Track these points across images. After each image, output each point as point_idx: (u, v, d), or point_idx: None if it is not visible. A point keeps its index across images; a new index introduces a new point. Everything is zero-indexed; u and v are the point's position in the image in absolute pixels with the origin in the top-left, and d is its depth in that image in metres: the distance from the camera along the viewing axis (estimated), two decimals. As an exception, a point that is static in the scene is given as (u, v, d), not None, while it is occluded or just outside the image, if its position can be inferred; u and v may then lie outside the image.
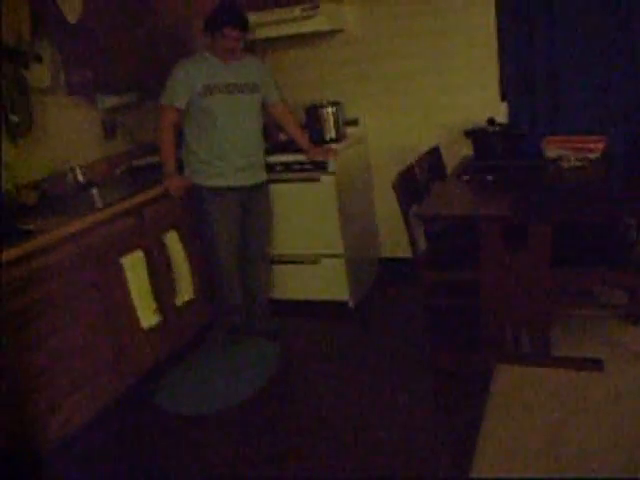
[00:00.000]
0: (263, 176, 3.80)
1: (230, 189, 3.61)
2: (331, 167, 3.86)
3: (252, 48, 4.16)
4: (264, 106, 3.75)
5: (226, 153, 3.55)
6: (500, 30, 3.93)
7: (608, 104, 3.75)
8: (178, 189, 3.57)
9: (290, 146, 4.09)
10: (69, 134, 3.75)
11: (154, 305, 3.40)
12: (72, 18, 3.40)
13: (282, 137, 4.28)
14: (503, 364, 3.19)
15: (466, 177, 3.57)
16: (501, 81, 4.02)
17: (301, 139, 3.89)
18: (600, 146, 3.50)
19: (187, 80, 3.43)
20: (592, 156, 3.48)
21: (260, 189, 3.80)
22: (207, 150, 3.56)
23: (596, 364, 3.08)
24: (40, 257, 2.78)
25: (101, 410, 3.13)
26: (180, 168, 3.63)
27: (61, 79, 3.66)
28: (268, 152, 3.89)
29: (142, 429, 3.15)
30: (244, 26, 3.44)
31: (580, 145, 3.51)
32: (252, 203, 3.77)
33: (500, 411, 2.86)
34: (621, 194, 3.13)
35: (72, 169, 3.61)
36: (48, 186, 3.46)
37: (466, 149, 3.97)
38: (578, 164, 3.46)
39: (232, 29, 3.39)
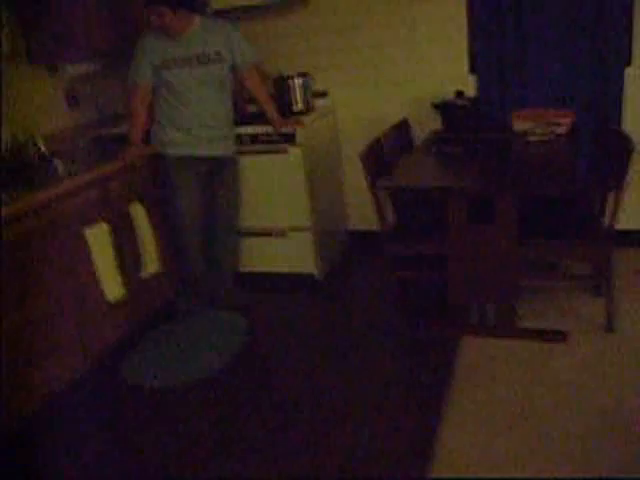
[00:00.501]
0: (230, 148, 3.76)
1: (195, 158, 3.58)
2: (299, 139, 3.83)
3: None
4: (235, 73, 3.69)
5: (190, 126, 3.54)
6: (469, 2, 3.90)
7: (577, 78, 3.77)
8: (133, 157, 3.52)
9: (258, 118, 4.04)
10: (30, 103, 3.66)
11: (119, 278, 3.36)
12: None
13: (250, 108, 4.23)
14: (469, 336, 3.23)
15: (434, 149, 3.57)
16: (470, 54, 4.01)
17: (269, 110, 3.84)
18: (568, 121, 3.52)
19: (146, 56, 3.43)
20: (559, 130, 3.49)
21: (227, 161, 3.76)
22: (171, 122, 3.55)
23: (560, 335, 3.13)
24: (2, 230, 2.72)
25: (67, 383, 3.10)
26: (149, 137, 3.61)
27: (21, 46, 3.55)
28: (235, 123, 3.84)
29: (109, 402, 3.13)
30: (151, 2, 3.33)
31: (548, 119, 3.53)
32: (219, 174, 3.75)
33: (466, 382, 2.89)
34: (586, 168, 3.15)
35: (33, 139, 3.52)
36: (8, 156, 3.37)
37: (435, 122, 3.96)
38: (545, 138, 3.48)
39: (146, 7, 3.36)
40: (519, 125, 3.59)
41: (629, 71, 3.73)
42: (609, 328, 3.14)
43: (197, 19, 3.48)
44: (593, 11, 3.64)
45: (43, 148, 3.52)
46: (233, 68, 3.64)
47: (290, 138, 3.84)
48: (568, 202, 3.44)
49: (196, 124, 3.53)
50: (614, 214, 2.99)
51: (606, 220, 3.18)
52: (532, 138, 3.50)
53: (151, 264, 3.61)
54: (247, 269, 4.22)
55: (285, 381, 3.15)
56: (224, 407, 2.97)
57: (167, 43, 3.44)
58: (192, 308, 3.85)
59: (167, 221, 3.71)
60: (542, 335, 3.16)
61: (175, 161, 3.57)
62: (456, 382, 2.90)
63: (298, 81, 4.10)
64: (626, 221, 3.72)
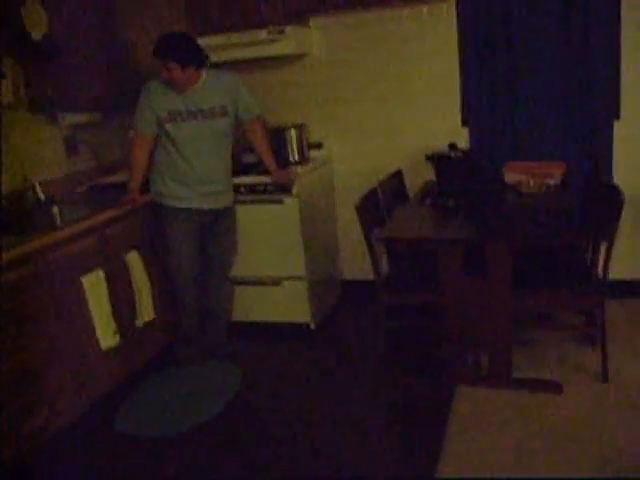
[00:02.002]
0: (228, 200, 3.79)
1: (192, 211, 3.60)
2: (294, 189, 3.88)
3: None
4: (240, 123, 3.73)
5: (190, 179, 3.54)
6: (462, 57, 4.01)
7: (568, 130, 3.86)
8: (132, 202, 3.53)
9: (254, 168, 4.10)
10: (31, 151, 3.70)
11: (114, 326, 3.35)
12: (36, 35, 3.38)
13: (247, 158, 4.29)
14: (464, 386, 3.22)
15: (428, 201, 3.62)
16: (463, 107, 4.10)
17: (269, 160, 3.86)
18: (559, 172, 3.58)
19: (151, 107, 3.44)
20: (551, 182, 3.55)
21: (225, 212, 3.78)
22: (171, 174, 3.55)
23: (555, 386, 3.13)
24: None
25: (60, 430, 3.06)
26: (147, 187, 3.63)
27: (23, 96, 3.61)
28: (233, 173, 3.88)
29: (101, 451, 3.09)
30: (165, 56, 3.33)
31: (539, 171, 3.59)
32: (216, 225, 3.76)
33: (461, 433, 2.87)
34: (578, 219, 3.20)
35: (32, 186, 3.55)
36: (7, 203, 3.40)
37: (428, 173, 4.02)
38: (537, 189, 3.53)
39: (159, 60, 3.35)
40: (511, 177, 3.65)
41: (618, 124, 3.82)
42: (604, 378, 3.14)
43: (204, 73, 3.50)
44: (583, 67, 3.76)
45: (42, 195, 3.56)
46: (236, 120, 3.68)
47: (286, 188, 3.88)
48: (561, 253, 3.49)
49: (197, 178, 3.54)
50: (606, 264, 3.03)
51: (599, 270, 3.22)
52: (524, 190, 3.56)
53: (146, 312, 3.60)
54: (241, 318, 4.21)
55: (277, 429, 3.13)
56: (216, 455, 2.95)
57: (173, 95, 3.45)
58: (191, 356, 3.83)
59: (163, 270, 3.71)
60: (537, 385, 3.16)
61: (173, 212, 3.58)
62: (450, 432, 2.88)
63: (294, 132, 4.17)
64: (618, 271, 3.77)
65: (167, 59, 3.32)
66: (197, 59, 3.41)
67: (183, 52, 3.35)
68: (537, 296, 3.15)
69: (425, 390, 3.28)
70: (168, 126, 3.45)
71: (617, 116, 3.81)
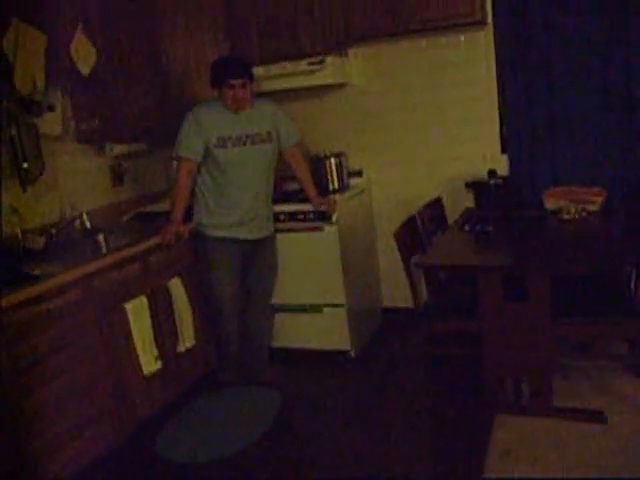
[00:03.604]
0: (270, 229, 3.84)
1: (236, 240, 3.64)
2: (334, 217, 3.91)
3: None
4: (280, 151, 3.79)
5: (235, 206, 3.59)
6: (500, 83, 4.03)
7: (608, 156, 3.82)
8: (171, 236, 3.54)
9: (294, 196, 4.15)
10: (77, 180, 3.82)
11: (156, 351, 3.41)
12: (85, 71, 3.49)
13: (289, 186, 4.34)
14: (504, 415, 3.18)
15: (467, 228, 3.61)
16: (502, 133, 4.10)
17: (309, 187, 3.91)
18: (600, 198, 3.55)
19: (201, 131, 3.48)
20: (592, 208, 3.52)
21: (266, 241, 3.83)
22: (216, 200, 3.60)
23: (599, 416, 3.07)
24: (45, 301, 2.81)
25: (100, 457, 3.11)
26: (190, 215, 3.68)
27: (71, 127, 3.73)
28: (273, 201, 3.94)
29: (142, 477, 3.13)
30: (247, 73, 3.50)
31: (580, 197, 3.56)
32: (257, 254, 3.81)
33: (501, 463, 2.83)
34: (620, 245, 3.16)
35: (79, 215, 3.66)
36: (55, 231, 3.50)
37: (468, 201, 4.02)
38: (577, 216, 3.50)
39: (236, 78, 3.45)
40: (551, 203, 3.63)
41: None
42: (649, 408, 3.08)
43: None
44: (624, 90, 3.73)
45: (88, 224, 3.66)
46: (278, 147, 3.75)
47: (326, 216, 3.92)
48: (603, 280, 3.43)
49: (242, 205, 3.58)
50: (649, 292, 2.99)
51: (642, 298, 3.17)
52: (565, 216, 3.53)
53: (188, 339, 3.65)
54: (281, 344, 4.23)
55: (316, 457, 3.12)
56: (256, 483, 2.96)
57: (222, 121, 3.51)
58: (233, 380, 3.86)
59: (204, 297, 3.77)
60: (580, 415, 3.11)
61: (216, 242, 3.62)
62: (490, 462, 2.84)
63: (334, 160, 4.22)
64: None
65: (251, 77, 3.51)
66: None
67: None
68: (579, 324, 3.11)
69: (465, 419, 3.24)
70: (218, 152, 3.50)
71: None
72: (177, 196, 3.58)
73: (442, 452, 3.09)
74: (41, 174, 3.45)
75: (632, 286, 3.37)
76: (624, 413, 3.09)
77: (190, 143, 3.50)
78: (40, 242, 3.36)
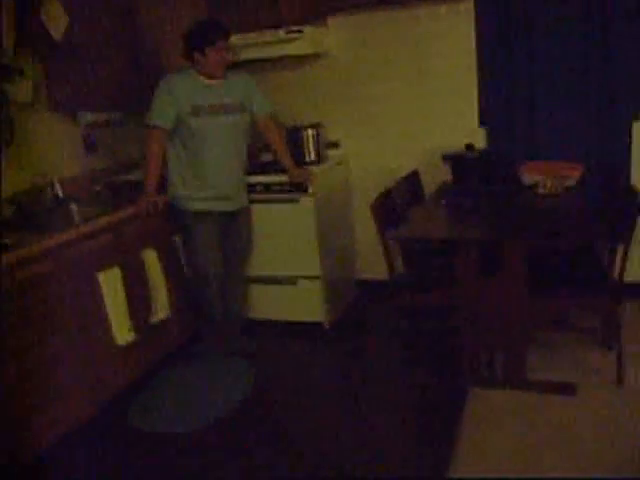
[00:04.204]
0: (245, 200, 3.83)
1: (212, 213, 3.62)
2: (310, 189, 3.89)
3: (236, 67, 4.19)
4: (253, 122, 3.75)
5: (210, 177, 3.55)
6: (480, 56, 4.00)
7: (586, 131, 3.83)
8: (149, 208, 3.52)
9: (270, 167, 4.11)
10: (49, 149, 3.74)
11: (129, 322, 3.38)
12: (57, 35, 3.41)
13: (264, 157, 4.31)
14: (477, 387, 3.21)
15: (444, 201, 3.61)
16: (480, 107, 4.09)
17: (285, 158, 3.88)
18: (576, 173, 3.56)
19: (174, 99, 3.42)
20: (568, 183, 3.53)
21: (242, 212, 3.82)
22: (191, 172, 3.56)
23: (569, 388, 3.11)
24: (16, 271, 2.76)
25: (74, 426, 3.09)
26: (163, 185, 3.63)
27: (42, 94, 3.65)
28: (249, 172, 3.91)
29: (115, 447, 3.12)
30: (229, 37, 3.50)
31: (557, 172, 3.56)
32: (233, 225, 3.80)
33: (473, 434, 2.87)
34: (595, 221, 3.18)
35: (51, 183, 3.59)
36: (26, 200, 3.44)
37: (445, 173, 4.01)
38: (554, 190, 3.51)
39: (224, 41, 3.43)
40: (528, 178, 3.63)
41: (637, 126, 3.78)
42: (619, 381, 3.12)
43: None
44: (603, 67, 3.73)
45: (60, 192, 3.59)
46: (250, 117, 3.71)
47: (302, 187, 3.89)
48: (577, 255, 3.46)
49: (217, 175, 3.56)
50: (623, 267, 3.01)
51: (615, 273, 3.19)
52: (541, 191, 3.53)
53: (161, 310, 3.63)
54: (256, 316, 4.23)
55: (288, 427, 3.14)
56: (227, 453, 2.96)
57: (196, 89, 3.47)
58: (213, 348, 3.87)
59: (179, 267, 3.74)
60: (551, 388, 3.14)
61: (194, 216, 3.60)
62: (462, 433, 2.87)
63: (311, 132, 4.18)
64: (635, 274, 3.74)
65: (228, 38, 3.48)
66: None
67: None
68: (553, 298, 3.13)
69: (439, 391, 3.27)
70: (191, 120, 3.45)
71: (636, 117, 3.77)
72: (149, 165, 3.53)
73: (415, 424, 3.11)
74: (11, 141, 3.37)
75: (606, 261, 3.40)
76: (594, 386, 3.14)
77: (162, 111, 3.45)
78: (10, 211, 3.30)
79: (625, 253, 3.00)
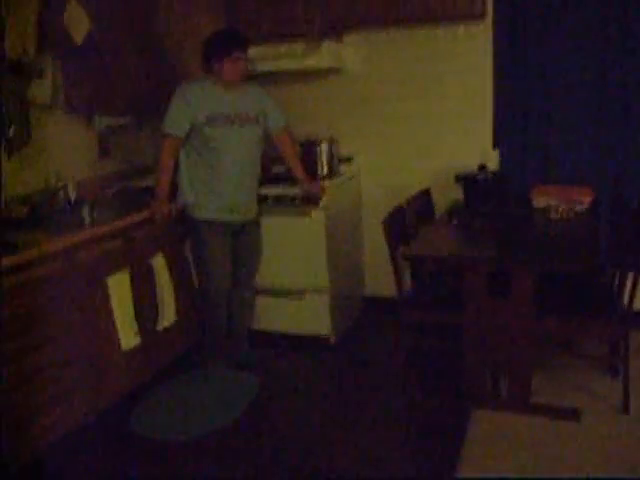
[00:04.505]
0: (256, 212, 3.82)
1: (223, 223, 3.62)
2: (322, 203, 3.89)
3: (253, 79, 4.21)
4: (268, 134, 3.76)
5: (224, 185, 3.55)
6: (496, 78, 4.01)
7: (599, 156, 3.83)
8: (162, 215, 3.53)
9: (282, 179, 4.13)
10: (64, 151, 3.76)
11: (135, 327, 3.38)
12: (78, 39, 3.44)
13: (276, 169, 4.32)
14: (481, 409, 3.19)
15: (455, 221, 3.61)
16: (494, 128, 4.09)
17: (298, 171, 3.88)
18: (588, 198, 3.56)
19: (189, 108, 3.43)
20: (580, 208, 3.53)
21: (252, 223, 3.81)
22: (203, 182, 3.56)
23: (573, 414, 3.09)
24: (27, 271, 2.77)
25: (76, 429, 3.08)
26: (173, 191, 3.63)
27: (60, 96, 3.67)
28: (261, 184, 3.91)
29: (116, 452, 3.11)
30: (247, 48, 3.52)
31: (568, 196, 3.56)
32: (243, 236, 3.78)
33: (475, 455, 2.84)
34: (605, 247, 3.17)
35: (64, 186, 3.60)
36: (39, 201, 3.46)
37: (457, 193, 4.02)
38: (565, 215, 3.51)
39: (242, 52, 3.45)
40: (540, 201, 3.63)
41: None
42: (625, 409, 3.10)
43: None
44: (618, 90, 3.74)
45: (72, 194, 3.61)
46: (264, 131, 3.72)
47: (314, 201, 3.90)
48: (587, 280, 3.45)
49: (229, 185, 3.55)
50: (632, 294, 3.00)
51: (624, 300, 3.18)
52: (553, 215, 3.53)
53: (168, 316, 3.63)
54: (261, 327, 4.21)
55: (291, 441, 3.12)
56: (226, 463, 2.95)
57: (213, 99, 3.48)
58: (215, 361, 3.84)
59: (187, 275, 3.74)
60: (555, 412, 3.12)
61: (206, 225, 3.60)
62: (466, 454, 2.85)
63: (325, 146, 4.19)
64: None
65: (247, 49, 3.49)
66: None
67: None
68: (560, 322, 3.12)
69: (442, 411, 3.25)
70: (206, 129, 3.45)
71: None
72: (161, 172, 3.54)
73: (417, 443, 3.09)
74: (27, 142, 3.39)
75: (615, 288, 3.39)
76: (599, 413, 3.12)
77: (176, 119, 3.46)
78: (23, 211, 3.32)
79: (635, 280, 2.99)
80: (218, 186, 3.55)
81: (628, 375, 3.09)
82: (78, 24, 3.43)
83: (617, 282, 3.39)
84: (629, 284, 3.09)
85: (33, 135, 3.44)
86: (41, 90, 3.47)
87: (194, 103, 3.44)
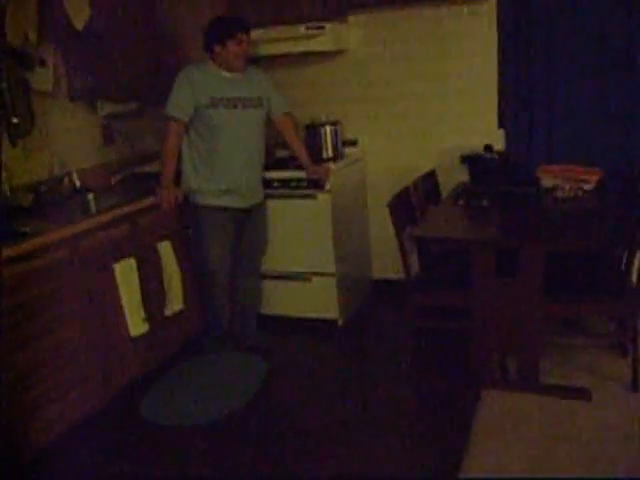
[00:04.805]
0: (261, 196, 3.81)
1: (227, 209, 3.61)
2: (327, 186, 3.88)
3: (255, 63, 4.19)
4: (269, 119, 3.75)
5: (227, 169, 3.54)
6: (500, 57, 3.98)
7: (605, 135, 3.80)
8: (169, 202, 3.52)
9: (288, 163, 4.11)
10: (68, 138, 3.76)
11: (143, 313, 3.38)
12: (79, 25, 3.42)
13: (280, 153, 4.30)
14: (490, 390, 3.19)
15: (461, 202, 3.59)
16: (499, 108, 4.06)
17: (302, 155, 3.87)
18: (595, 177, 3.53)
19: (192, 91, 3.42)
20: (587, 187, 3.51)
21: (257, 208, 3.80)
22: (207, 166, 3.55)
23: (584, 393, 3.09)
24: (33, 259, 2.77)
25: (86, 417, 3.10)
26: (178, 177, 3.62)
27: (63, 84, 3.66)
28: (266, 168, 3.90)
29: (126, 438, 3.12)
30: (249, 30, 3.51)
31: (575, 176, 3.54)
32: (249, 220, 3.78)
33: (485, 437, 2.84)
34: (612, 226, 3.15)
35: (69, 173, 3.61)
36: (44, 189, 3.46)
37: (463, 174, 4.00)
38: (572, 194, 3.49)
39: (244, 34, 3.43)
40: (547, 181, 3.61)
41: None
42: (634, 388, 3.09)
43: None
44: (624, 69, 3.70)
45: (77, 182, 3.60)
46: (267, 115, 3.71)
47: (319, 184, 3.88)
48: (594, 259, 3.43)
49: (232, 169, 3.54)
50: (641, 272, 2.99)
51: (633, 279, 3.17)
52: (560, 194, 3.51)
53: (176, 302, 3.64)
54: (269, 312, 4.22)
55: (298, 424, 3.13)
56: (237, 447, 2.96)
57: (216, 82, 3.47)
58: (219, 348, 3.84)
59: (195, 262, 3.74)
60: (565, 392, 3.12)
61: (209, 211, 3.58)
62: (474, 435, 2.85)
63: (329, 129, 4.17)
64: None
65: (249, 32, 3.48)
66: None
67: None
68: (568, 302, 3.11)
69: (451, 392, 3.25)
70: (209, 112, 3.44)
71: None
72: (166, 157, 3.52)
73: (427, 425, 3.09)
74: (31, 130, 3.39)
75: (623, 267, 3.38)
76: (608, 392, 3.11)
77: (179, 102, 3.44)
78: (28, 199, 3.32)
79: (643, 258, 2.98)
80: (221, 170, 3.54)
81: (637, 354, 3.09)
82: (79, 11, 3.42)
83: (625, 260, 3.37)
84: (637, 262, 3.08)
85: (37, 123, 3.44)
86: (43, 78, 3.46)
87: (197, 86, 3.43)
